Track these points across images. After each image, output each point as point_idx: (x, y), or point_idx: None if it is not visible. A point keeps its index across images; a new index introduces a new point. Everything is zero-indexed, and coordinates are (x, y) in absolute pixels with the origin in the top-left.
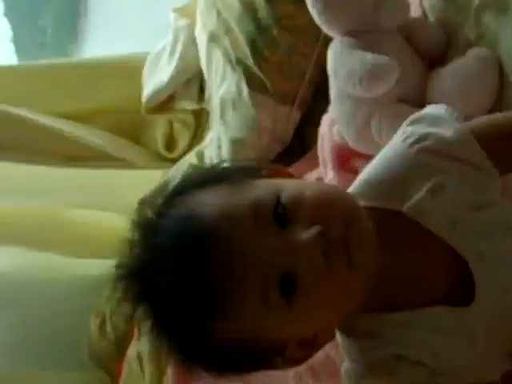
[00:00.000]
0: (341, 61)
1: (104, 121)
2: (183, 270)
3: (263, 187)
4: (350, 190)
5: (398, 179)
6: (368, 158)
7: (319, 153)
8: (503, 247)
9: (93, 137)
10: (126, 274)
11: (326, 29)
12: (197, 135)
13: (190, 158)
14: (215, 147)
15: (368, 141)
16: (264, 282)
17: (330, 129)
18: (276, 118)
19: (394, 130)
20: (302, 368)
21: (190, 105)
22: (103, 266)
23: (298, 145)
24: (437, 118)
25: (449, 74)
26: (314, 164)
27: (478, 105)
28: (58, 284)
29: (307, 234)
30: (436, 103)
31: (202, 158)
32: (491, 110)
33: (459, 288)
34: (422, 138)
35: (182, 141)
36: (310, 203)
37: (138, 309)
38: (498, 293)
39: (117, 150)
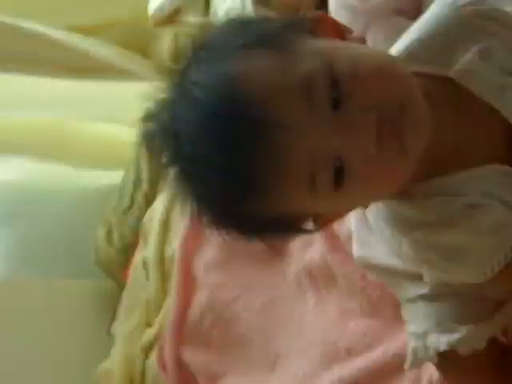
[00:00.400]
0: None
1: (110, 34)
2: (224, 138)
3: (315, 57)
4: (401, 47)
5: (448, 40)
6: None
7: None
8: None
9: (100, 49)
10: (159, 132)
11: None
12: None
13: None
14: None
15: None
16: (313, 164)
17: None
18: None
19: (390, 42)
20: (301, 272)
21: (196, 18)
22: (111, 177)
23: None
24: None
25: None
26: None
27: None
28: (66, 194)
29: (364, 120)
30: None
31: None
32: None
33: (507, 153)
34: (478, 1)
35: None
36: (367, 80)
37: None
38: None
39: (124, 63)
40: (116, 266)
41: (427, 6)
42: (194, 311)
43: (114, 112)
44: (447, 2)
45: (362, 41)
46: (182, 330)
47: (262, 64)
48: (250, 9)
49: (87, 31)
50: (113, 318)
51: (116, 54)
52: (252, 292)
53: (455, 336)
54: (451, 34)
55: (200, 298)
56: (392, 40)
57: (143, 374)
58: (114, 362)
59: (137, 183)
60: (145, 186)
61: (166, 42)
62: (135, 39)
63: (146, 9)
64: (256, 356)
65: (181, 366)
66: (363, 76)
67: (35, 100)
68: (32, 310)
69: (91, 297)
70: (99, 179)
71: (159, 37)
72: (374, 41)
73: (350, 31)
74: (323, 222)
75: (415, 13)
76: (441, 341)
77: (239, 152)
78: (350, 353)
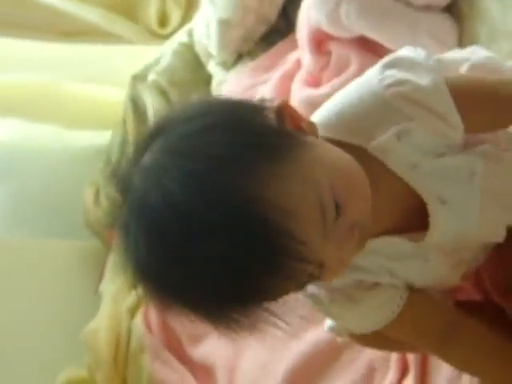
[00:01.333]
0: None
1: None
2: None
3: (318, 174)
4: (319, 117)
5: (368, 117)
6: (340, 41)
7: (297, 36)
8: (469, 193)
9: (88, 13)
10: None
11: None
12: (188, 14)
13: (181, 36)
14: (204, 26)
15: (338, 24)
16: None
17: (307, 13)
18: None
19: (361, 15)
20: None
21: None
22: (100, 138)
23: (283, 25)
24: (414, 63)
25: None
26: (297, 44)
27: None
28: (55, 154)
29: (351, 235)
30: None
31: (192, 36)
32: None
33: (415, 224)
34: (398, 83)
35: (174, 18)
36: (353, 202)
37: None
38: (455, 233)
39: (111, 26)
40: (104, 227)
41: None
42: None
43: (103, 74)
44: (373, 81)
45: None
46: None
47: (276, 184)
48: None
49: None
50: (100, 278)
51: (104, 17)
52: None
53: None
54: (374, 113)
55: None
56: (365, 12)
57: (129, 332)
58: (101, 323)
59: (123, 145)
60: (131, 147)
61: (152, 6)
62: (123, 3)
63: None
64: None
65: (165, 325)
66: (350, 200)
67: (24, 62)
68: (20, 270)
69: (79, 257)
70: (88, 140)
71: (147, 1)
72: (346, 14)
73: (304, 120)
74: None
75: None
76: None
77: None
78: None
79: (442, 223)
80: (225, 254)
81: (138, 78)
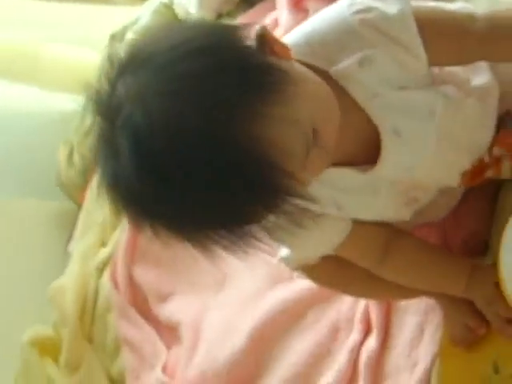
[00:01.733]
0: None
1: None
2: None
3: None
4: (289, 40)
5: (333, 42)
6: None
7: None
8: (426, 130)
9: None
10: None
11: None
12: None
13: None
14: None
15: None
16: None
17: None
18: None
19: None
20: None
21: None
22: (77, 101)
23: None
24: None
25: None
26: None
27: None
28: (31, 116)
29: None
30: None
31: None
32: None
33: (369, 157)
34: (365, 10)
35: None
36: (329, 133)
37: None
38: (406, 167)
39: None
40: (76, 187)
41: None
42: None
43: (84, 36)
44: (342, 7)
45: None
46: (135, 249)
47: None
48: None
49: None
50: (71, 237)
51: None
52: None
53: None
54: (339, 38)
55: None
56: None
57: (96, 291)
58: (68, 281)
59: None
60: None
61: None
62: None
63: None
64: (205, 275)
65: (132, 284)
66: (326, 129)
67: (3, 21)
68: None
69: (52, 217)
70: (66, 102)
71: None
72: None
73: (279, 43)
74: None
75: None
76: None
77: None
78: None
79: (393, 155)
80: (212, 175)
81: (116, 37)
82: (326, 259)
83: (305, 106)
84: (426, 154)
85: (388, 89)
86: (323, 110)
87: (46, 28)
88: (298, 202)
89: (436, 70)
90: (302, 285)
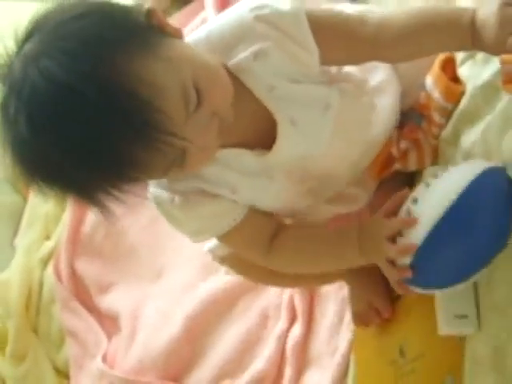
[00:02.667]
0: None
1: None
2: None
3: (182, 66)
4: (192, 36)
5: (230, 37)
6: None
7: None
8: (320, 122)
9: None
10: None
11: None
12: None
13: None
14: None
15: None
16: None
17: None
18: None
19: None
20: None
21: None
22: None
23: None
24: None
25: None
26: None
27: None
28: None
29: (209, 122)
30: None
31: None
32: None
33: (267, 144)
34: (260, 7)
35: None
36: (211, 93)
37: None
38: (301, 155)
39: None
40: (21, 181)
41: None
42: (87, 225)
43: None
44: (242, 5)
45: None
46: (76, 243)
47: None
48: None
49: None
50: (16, 231)
51: None
52: (140, 209)
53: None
54: (235, 33)
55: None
56: None
57: (41, 284)
58: (13, 274)
59: None
60: None
61: None
62: None
63: None
64: (143, 267)
65: (75, 276)
66: (211, 90)
67: None
68: None
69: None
70: None
71: None
72: None
73: (170, 25)
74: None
75: None
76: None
77: None
78: None
79: (288, 143)
80: (96, 121)
81: None
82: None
83: (187, 64)
84: (320, 145)
85: (284, 81)
86: (208, 72)
87: None
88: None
89: (334, 69)
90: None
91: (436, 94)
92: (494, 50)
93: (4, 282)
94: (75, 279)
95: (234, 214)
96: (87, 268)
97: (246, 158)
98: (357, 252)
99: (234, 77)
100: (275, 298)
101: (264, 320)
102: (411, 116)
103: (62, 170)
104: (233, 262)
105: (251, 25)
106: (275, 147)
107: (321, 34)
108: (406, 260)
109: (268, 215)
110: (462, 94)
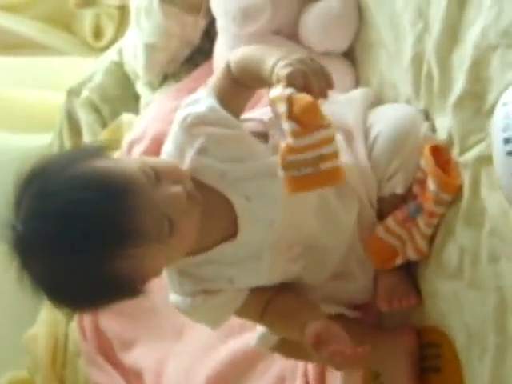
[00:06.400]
0: None
1: (34, 10)
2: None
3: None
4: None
5: (177, 150)
6: None
7: (214, 66)
8: (271, 189)
9: (24, 27)
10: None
11: None
12: (121, 28)
13: (112, 55)
14: (132, 47)
15: None
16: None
17: (222, 50)
18: (183, 26)
19: None
20: None
21: (113, 1)
22: (38, 141)
23: (207, 45)
24: (197, 99)
25: (315, 11)
26: None
27: (337, 43)
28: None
29: (173, 189)
30: (303, 36)
31: (122, 54)
32: (349, 49)
33: (234, 226)
34: (184, 118)
35: (108, 32)
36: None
37: None
38: (266, 225)
39: (47, 39)
40: None
41: (301, 29)
42: None
43: (39, 81)
44: (174, 123)
45: None
46: None
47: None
48: (156, 6)
49: (11, 7)
50: None
51: (39, 30)
52: None
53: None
54: (179, 147)
55: None
56: None
57: (66, 338)
58: (40, 328)
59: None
60: None
61: (87, 20)
62: (58, 16)
63: None
64: (165, 326)
65: (98, 332)
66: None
67: None
68: None
69: None
70: (28, 142)
71: (81, 14)
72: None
73: None
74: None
75: (291, 30)
76: None
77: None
78: (243, 328)
79: (248, 218)
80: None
81: (73, 93)
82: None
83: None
84: (277, 211)
85: (232, 164)
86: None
87: (8, 76)
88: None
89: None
90: (249, 338)
91: (432, 187)
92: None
93: (32, 337)
94: (99, 335)
95: (239, 297)
96: (110, 325)
97: (228, 249)
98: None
99: (195, 181)
100: (292, 361)
101: (281, 382)
102: (408, 205)
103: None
104: (281, 349)
105: (184, 136)
106: (240, 227)
107: (225, 102)
108: None
109: (265, 288)
110: (460, 187)
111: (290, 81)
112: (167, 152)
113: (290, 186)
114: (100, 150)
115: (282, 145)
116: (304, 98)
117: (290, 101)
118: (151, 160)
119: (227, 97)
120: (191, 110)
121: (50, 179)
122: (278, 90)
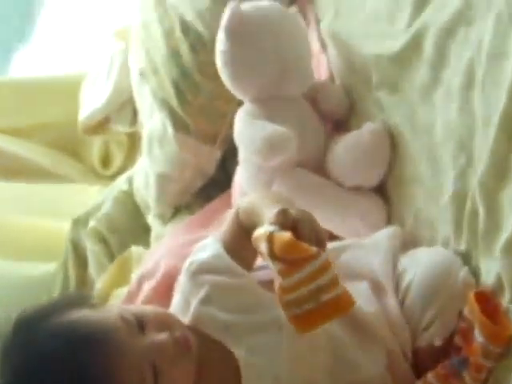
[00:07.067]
0: (244, 129)
1: (41, 136)
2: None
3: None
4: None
5: (183, 300)
6: None
7: (232, 198)
8: (277, 342)
9: (31, 152)
10: None
11: (234, 93)
12: (131, 155)
13: (121, 184)
14: (143, 176)
15: None
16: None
17: (240, 182)
18: (198, 156)
19: (294, 194)
20: None
21: (123, 128)
22: (43, 269)
23: (222, 177)
24: (204, 246)
25: (343, 144)
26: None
27: (367, 177)
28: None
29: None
30: (331, 170)
31: (132, 183)
32: (381, 183)
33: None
34: (189, 265)
35: (117, 160)
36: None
37: None
38: (270, 381)
39: (55, 166)
40: None
41: (328, 161)
42: None
43: (45, 208)
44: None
45: None
46: None
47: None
48: (170, 135)
49: (18, 133)
50: None
51: (47, 156)
52: None
53: None
54: (184, 297)
55: None
56: (295, 192)
57: None
58: None
59: (64, 282)
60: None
61: (95, 148)
62: (66, 141)
63: (76, 112)
64: None
65: None
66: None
67: None
68: None
69: None
70: (31, 270)
71: (89, 142)
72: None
73: None
74: None
75: (316, 163)
76: None
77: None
78: None
79: (252, 374)
80: None
81: (79, 222)
82: None
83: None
84: (281, 362)
85: (236, 315)
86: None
87: (6, 202)
88: None
89: None
90: None
91: (479, 338)
92: None
93: None
94: None
95: None
96: None
97: None
98: None
99: (196, 333)
100: None
101: None
102: (451, 359)
103: None
104: None
105: (189, 284)
106: (244, 382)
107: (237, 251)
108: None
109: None
110: (511, 338)
111: (278, 218)
112: (174, 303)
113: (297, 327)
114: (82, 299)
115: (276, 285)
116: (283, 236)
117: (269, 239)
118: (134, 307)
119: (235, 243)
120: (196, 258)
121: (26, 333)
122: (262, 229)
